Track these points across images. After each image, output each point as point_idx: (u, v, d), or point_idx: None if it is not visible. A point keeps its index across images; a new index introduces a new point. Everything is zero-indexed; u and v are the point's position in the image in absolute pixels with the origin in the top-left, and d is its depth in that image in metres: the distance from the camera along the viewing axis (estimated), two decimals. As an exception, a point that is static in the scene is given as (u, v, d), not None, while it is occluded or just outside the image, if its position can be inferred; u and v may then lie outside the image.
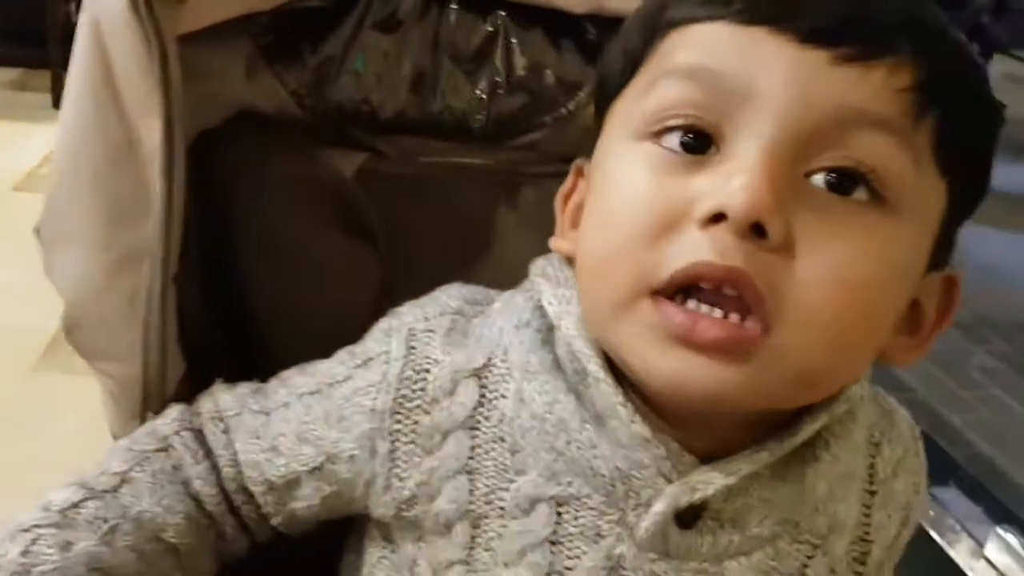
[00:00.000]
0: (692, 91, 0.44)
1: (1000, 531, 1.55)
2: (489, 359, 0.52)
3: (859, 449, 0.53)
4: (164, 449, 0.57)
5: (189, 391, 0.61)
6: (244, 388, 0.60)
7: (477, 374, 0.52)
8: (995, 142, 0.48)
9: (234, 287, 0.69)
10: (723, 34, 0.44)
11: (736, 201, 0.41)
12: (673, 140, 0.45)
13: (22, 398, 1.73)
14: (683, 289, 0.43)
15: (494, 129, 0.72)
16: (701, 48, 0.45)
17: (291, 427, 0.56)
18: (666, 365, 0.43)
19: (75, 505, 0.52)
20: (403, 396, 0.52)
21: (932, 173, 0.45)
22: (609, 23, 0.71)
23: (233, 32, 0.65)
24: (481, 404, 0.51)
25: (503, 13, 0.71)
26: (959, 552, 1.56)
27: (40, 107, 3.03)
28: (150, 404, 0.59)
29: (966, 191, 0.48)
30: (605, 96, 0.51)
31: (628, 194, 0.45)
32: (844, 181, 0.43)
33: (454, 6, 0.71)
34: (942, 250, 0.48)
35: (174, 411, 0.59)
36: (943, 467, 1.81)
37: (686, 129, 0.45)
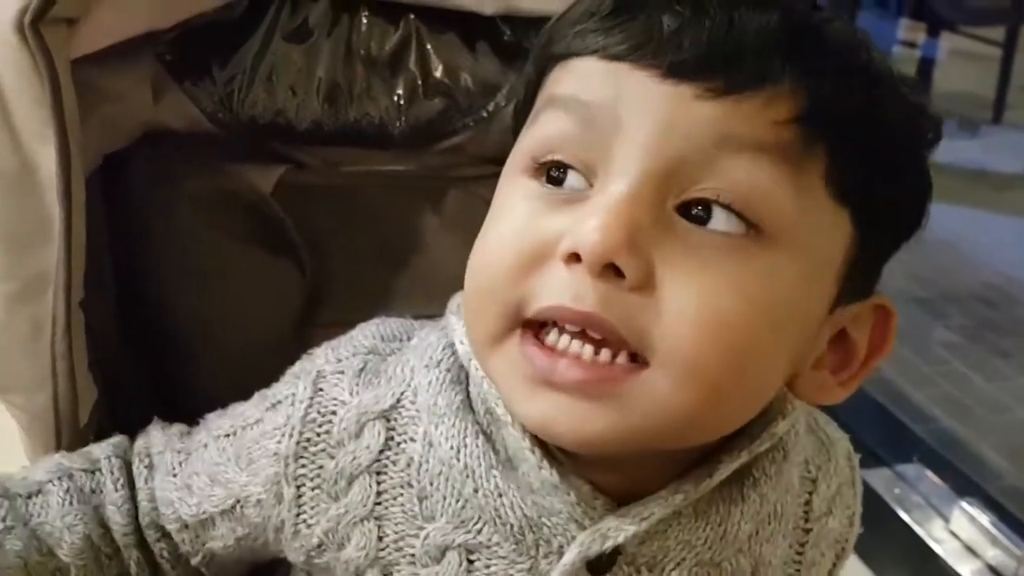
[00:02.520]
0: (567, 123, 0.44)
1: (965, 505, 1.57)
2: (398, 400, 0.51)
3: (791, 487, 0.51)
4: (91, 471, 0.57)
5: (106, 419, 0.60)
6: (176, 428, 0.60)
7: (385, 416, 0.50)
8: (915, 165, 0.46)
9: (153, 309, 0.68)
10: (594, 68, 0.44)
11: (588, 242, 0.40)
12: (551, 175, 0.45)
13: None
14: (551, 323, 0.43)
15: (414, 134, 0.71)
16: (575, 80, 0.45)
17: (205, 467, 0.55)
18: (532, 407, 0.43)
19: None
20: (307, 440, 0.51)
21: (825, 203, 0.43)
22: (524, 23, 0.70)
23: (136, 52, 0.63)
24: (388, 447, 0.50)
25: (414, 18, 0.71)
26: (925, 527, 1.57)
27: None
28: (64, 434, 0.59)
29: (881, 220, 0.46)
30: (516, 126, 0.51)
31: (503, 229, 0.45)
32: (716, 214, 0.42)
33: (365, 13, 0.70)
34: (860, 281, 0.47)
35: (116, 439, 0.59)
36: (906, 443, 1.82)
37: (561, 166, 0.44)
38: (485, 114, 0.72)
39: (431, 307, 0.65)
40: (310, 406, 0.51)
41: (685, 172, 0.42)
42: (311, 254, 0.72)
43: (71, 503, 0.55)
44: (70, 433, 0.59)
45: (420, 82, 0.71)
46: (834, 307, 0.46)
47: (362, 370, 0.52)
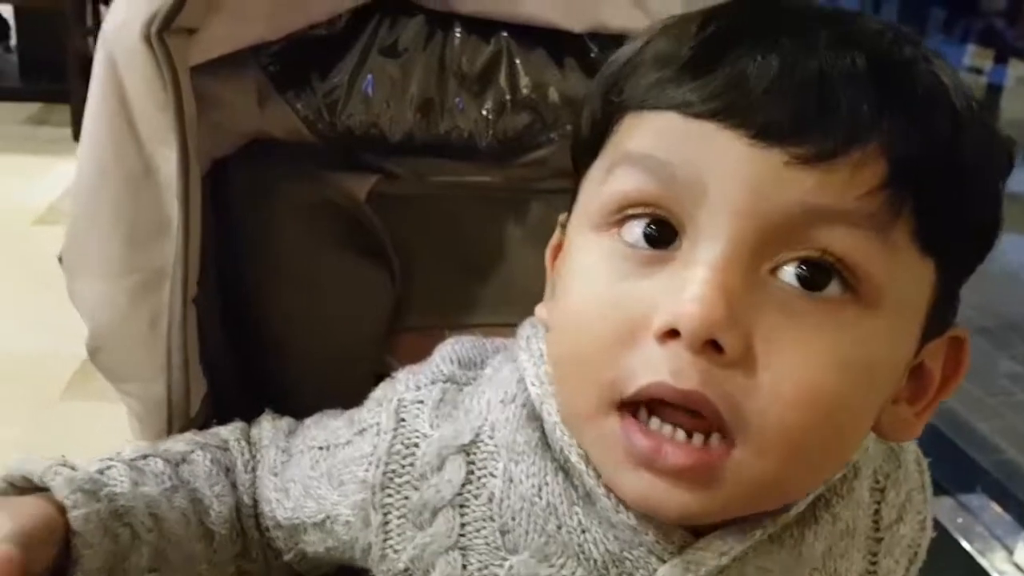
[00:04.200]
0: (647, 182, 0.42)
1: (1029, 536, 1.54)
2: (477, 435, 0.51)
3: (862, 501, 0.52)
4: (224, 448, 0.59)
5: (211, 411, 0.62)
6: (284, 423, 0.61)
7: (465, 450, 0.51)
8: (993, 198, 0.45)
9: (250, 309, 0.71)
10: (674, 125, 0.41)
11: (687, 318, 0.39)
12: (635, 231, 0.43)
13: (50, 426, 1.76)
14: (648, 402, 0.42)
15: (501, 147, 0.73)
16: (653, 137, 0.42)
17: (301, 477, 0.57)
18: (631, 485, 0.43)
19: (144, 457, 0.55)
20: (392, 471, 0.52)
21: (912, 257, 0.42)
22: (610, 40, 0.72)
23: (244, 62, 0.67)
24: (469, 481, 0.51)
25: (506, 35, 0.73)
26: (988, 558, 1.55)
27: (60, 141, 3.08)
28: (175, 424, 0.61)
29: (962, 259, 0.45)
30: (579, 155, 0.49)
31: (589, 298, 0.44)
32: (814, 274, 0.41)
33: (458, 30, 0.73)
34: (942, 318, 0.46)
35: (239, 423, 0.61)
36: (970, 473, 1.79)
37: (647, 219, 0.43)
38: (570, 128, 0.74)
39: (511, 316, 0.66)
40: (394, 437, 0.52)
41: (778, 237, 0.40)
42: (399, 261, 0.74)
43: (217, 473, 0.57)
44: (181, 423, 0.61)
45: (508, 97, 0.73)
46: (919, 350, 0.46)
47: (440, 401, 0.53)
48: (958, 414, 2.01)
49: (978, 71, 3.78)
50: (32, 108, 3.35)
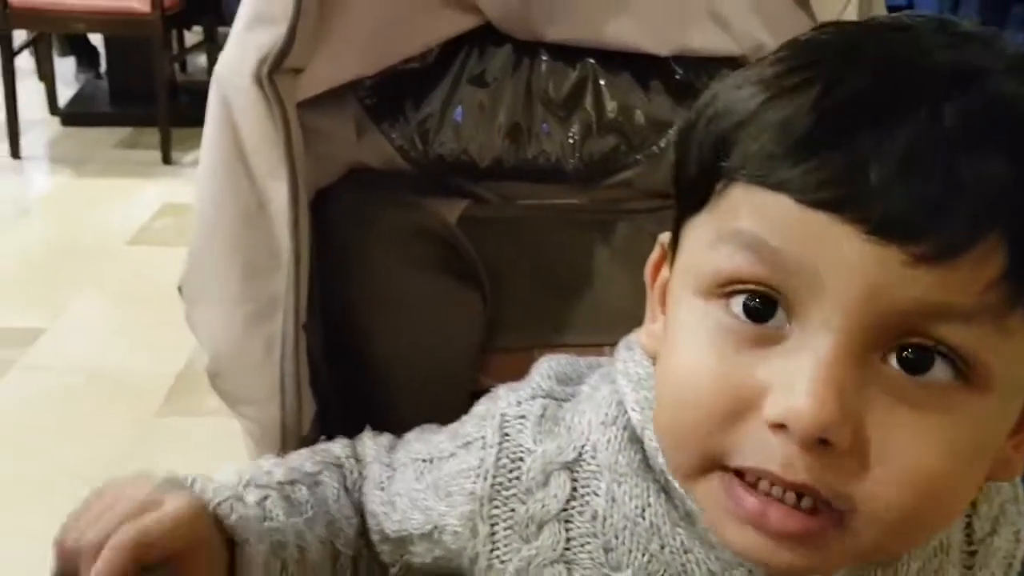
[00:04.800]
0: (757, 265, 0.41)
1: None
2: (580, 454, 0.52)
3: None
4: (339, 465, 0.61)
5: (319, 432, 0.65)
6: (385, 439, 0.64)
7: (568, 467, 0.52)
8: None
9: (351, 332, 0.74)
10: (787, 210, 0.40)
11: (798, 416, 0.39)
12: (740, 304, 0.42)
13: (146, 441, 1.82)
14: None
15: (588, 170, 0.75)
16: (765, 220, 0.41)
17: (406, 490, 0.59)
18: (738, 541, 0.43)
19: (292, 483, 0.57)
20: (499, 484, 0.54)
21: None
22: (695, 62, 0.74)
23: (343, 96, 0.70)
24: (573, 498, 0.52)
25: (592, 60, 0.75)
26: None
27: (150, 163, 3.19)
28: (288, 443, 0.65)
29: None
30: (682, 190, 0.47)
31: (699, 371, 0.43)
32: (917, 357, 0.40)
33: (544, 57, 0.75)
34: None
35: (342, 439, 0.63)
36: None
37: (752, 295, 0.42)
38: (656, 150, 0.75)
39: (600, 336, 0.68)
40: (500, 451, 0.54)
41: (892, 330, 0.40)
42: (491, 283, 0.76)
43: (344, 495, 0.59)
44: (294, 442, 0.65)
45: (594, 120, 0.75)
46: None
47: (542, 416, 0.54)
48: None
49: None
50: (123, 132, 3.47)
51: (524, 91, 0.75)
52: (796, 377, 0.39)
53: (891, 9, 0.69)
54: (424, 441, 0.61)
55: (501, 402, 0.56)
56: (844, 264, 0.39)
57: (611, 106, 0.75)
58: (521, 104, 0.75)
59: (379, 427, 0.65)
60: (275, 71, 0.59)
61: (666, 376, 0.47)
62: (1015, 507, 0.55)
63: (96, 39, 3.85)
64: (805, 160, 0.39)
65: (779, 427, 0.40)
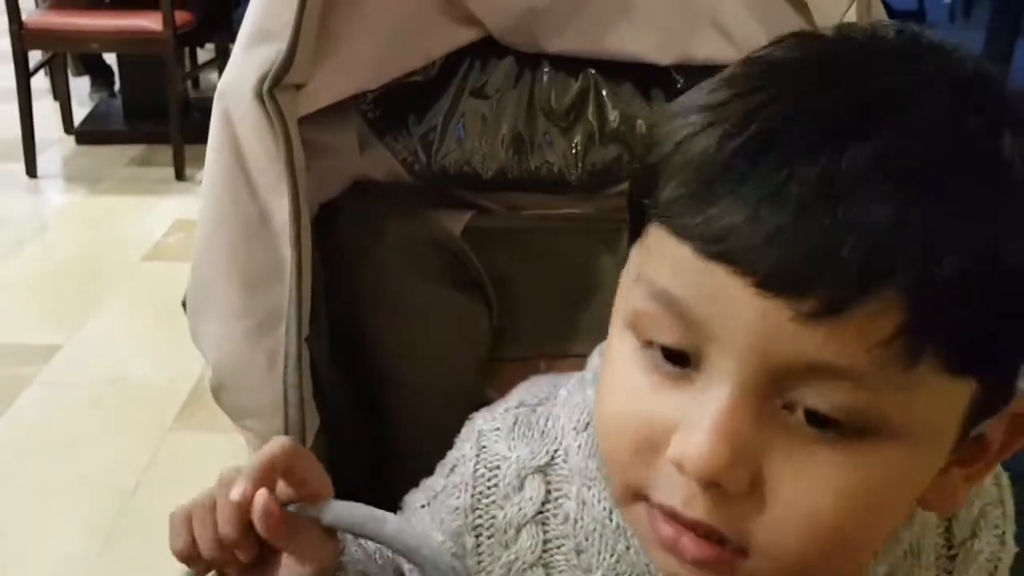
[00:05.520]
0: (662, 314, 0.41)
1: None
2: (552, 458, 0.54)
3: (928, 523, 0.51)
4: None
5: (324, 444, 0.66)
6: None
7: (542, 471, 0.54)
8: None
9: (358, 344, 0.74)
10: (689, 262, 0.39)
11: (693, 461, 0.39)
12: (657, 351, 0.42)
13: (159, 456, 1.83)
14: None
15: (591, 180, 0.75)
16: (669, 270, 0.40)
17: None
18: (661, 563, 0.44)
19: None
20: (479, 493, 0.55)
21: (944, 383, 0.38)
22: (696, 71, 0.74)
23: (346, 110, 0.71)
24: (548, 500, 0.53)
25: (593, 71, 0.75)
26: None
27: (164, 180, 3.22)
28: (292, 457, 0.64)
29: (1012, 359, 0.41)
30: (630, 203, 0.45)
31: (619, 404, 0.44)
32: (819, 419, 0.39)
33: (546, 68, 0.75)
34: (992, 408, 0.42)
35: None
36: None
37: (663, 348, 0.41)
38: (659, 159, 0.75)
39: (605, 345, 0.68)
40: (477, 462, 0.55)
41: (786, 381, 0.38)
42: (496, 293, 0.77)
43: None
44: (298, 457, 0.64)
45: (597, 130, 0.75)
46: (957, 445, 0.42)
47: (515, 424, 0.55)
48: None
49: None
50: (137, 150, 3.50)
51: (527, 102, 0.75)
52: (695, 422, 0.40)
53: (899, 14, 0.68)
54: (421, 489, 0.61)
55: (477, 421, 0.58)
56: (738, 319, 0.38)
57: (613, 116, 0.75)
58: (524, 115, 0.75)
59: (389, 438, 0.66)
60: (276, 87, 0.59)
61: (597, 406, 0.47)
62: (998, 510, 0.54)
63: (110, 58, 3.89)
64: (707, 207, 0.38)
65: (681, 467, 0.40)
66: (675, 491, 0.41)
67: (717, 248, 0.38)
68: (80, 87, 3.93)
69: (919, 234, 0.36)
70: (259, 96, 0.59)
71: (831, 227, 0.36)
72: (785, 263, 0.36)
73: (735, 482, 0.39)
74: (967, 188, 0.37)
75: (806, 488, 0.39)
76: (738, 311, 0.38)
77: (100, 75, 3.98)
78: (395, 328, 0.74)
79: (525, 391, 0.58)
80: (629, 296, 0.43)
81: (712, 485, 0.40)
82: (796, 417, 0.39)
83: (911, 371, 0.37)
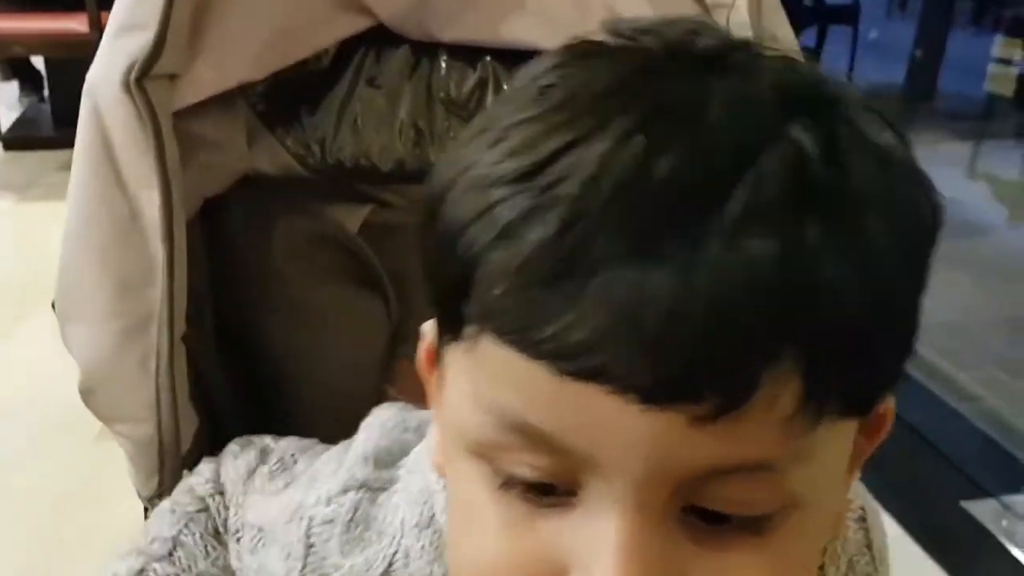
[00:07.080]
0: (523, 447, 0.34)
1: (1077, 537, 1.50)
2: (390, 564, 0.48)
3: None
4: (204, 509, 0.58)
5: (206, 444, 0.63)
6: (243, 462, 0.59)
7: None
8: (916, 319, 0.36)
9: (249, 343, 0.72)
10: (546, 382, 0.31)
11: None
12: (516, 486, 0.35)
13: (84, 468, 1.78)
14: None
15: (493, 172, 0.74)
16: (522, 394, 0.33)
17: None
18: None
19: (141, 571, 0.54)
20: None
21: (835, 432, 0.35)
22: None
23: (231, 102, 0.68)
24: None
25: (491, 59, 0.73)
26: (1035, 560, 1.51)
27: (96, 186, 3.15)
28: (167, 462, 0.62)
29: (886, 387, 0.38)
30: (433, 291, 0.36)
31: (486, 545, 0.36)
32: (716, 515, 0.34)
33: (444, 58, 0.73)
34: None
35: (206, 470, 0.60)
36: (1014, 474, 1.76)
37: (527, 483, 0.34)
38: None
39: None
40: (304, 567, 0.50)
41: (687, 489, 0.33)
42: (395, 290, 0.75)
43: (213, 547, 0.56)
44: (172, 460, 0.62)
45: (498, 121, 0.73)
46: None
47: (351, 521, 0.50)
48: (1000, 414, 1.97)
49: (1007, 62, 3.73)
50: (66, 156, 3.36)
51: (424, 93, 0.73)
52: (593, 559, 0.33)
53: (834, 8, 0.65)
54: (276, 480, 0.57)
55: (310, 496, 0.52)
56: (621, 441, 0.32)
57: (513, 105, 0.74)
58: (422, 106, 0.73)
59: (283, 434, 0.63)
60: (144, 77, 0.57)
61: (455, 554, 0.39)
62: (866, 556, 0.52)
63: (39, 63, 3.80)
64: (556, 316, 0.30)
65: None
66: None
67: (582, 365, 0.31)
68: (8, 92, 3.83)
69: (802, 293, 0.31)
70: (127, 87, 0.57)
71: (708, 318, 0.30)
72: (668, 371, 0.30)
73: None
74: (826, 230, 0.31)
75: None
76: (621, 432, 0.31)
77: (29, 80, 3.89)
78: (288, 326, 0.72)
79: (370, 455, 0.52)
80: (470, 420, 0.35)
81: None
82: (697, 520, 0.34)
83: (811, 436, 0.33)
